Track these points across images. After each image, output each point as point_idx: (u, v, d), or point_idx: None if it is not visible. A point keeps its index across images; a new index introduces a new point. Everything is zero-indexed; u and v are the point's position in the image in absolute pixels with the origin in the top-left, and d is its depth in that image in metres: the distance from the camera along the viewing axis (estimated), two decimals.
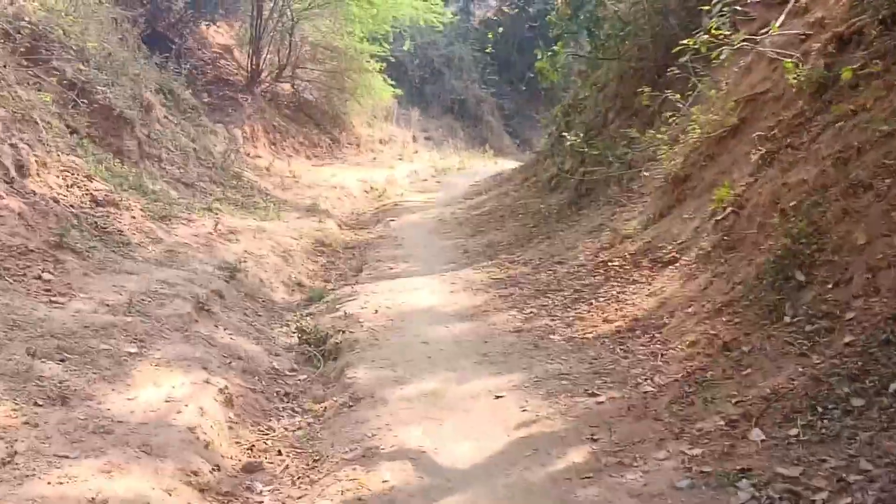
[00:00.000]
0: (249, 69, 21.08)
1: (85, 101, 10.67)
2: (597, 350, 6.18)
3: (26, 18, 10.29)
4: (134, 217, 9.17)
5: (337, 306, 8.29)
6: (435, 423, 5.17)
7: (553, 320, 7.13)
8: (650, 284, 7.09)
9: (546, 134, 18.16)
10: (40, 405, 4.76)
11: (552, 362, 6.09)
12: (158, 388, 5.33)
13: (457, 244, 11.54)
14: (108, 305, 6.65)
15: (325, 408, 5.85)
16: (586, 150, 11.34)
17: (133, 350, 5.84)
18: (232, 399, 5.63)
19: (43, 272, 6.99)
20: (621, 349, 6.06)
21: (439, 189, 19.45)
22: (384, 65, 23.93)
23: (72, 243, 7.63)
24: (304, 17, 22.05)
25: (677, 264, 7.01)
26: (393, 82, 25.16)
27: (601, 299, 7.22)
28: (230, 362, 6.34)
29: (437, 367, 6.25)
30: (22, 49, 10.16)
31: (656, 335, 6.02)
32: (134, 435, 4.64)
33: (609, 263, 7.95)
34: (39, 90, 10.25)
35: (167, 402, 5.16)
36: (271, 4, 21.13)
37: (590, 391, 5.40)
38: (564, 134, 12.02)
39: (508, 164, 25.44)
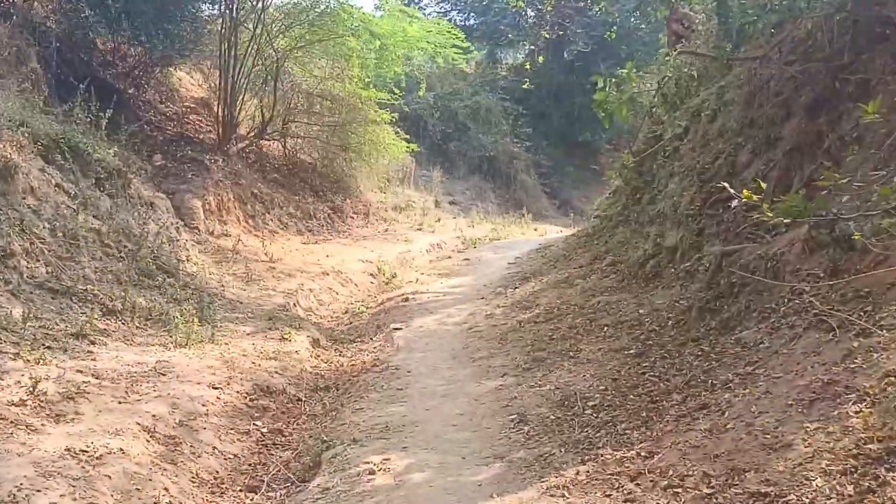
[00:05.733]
0: (221, 124, 16.44)
1: None
2: None
3: None
4: None
5: None
6: None
7: None
8: None
9: (611, 191, 13.19)
10: None
11: None
12: None
13: (502, 395, 6.33)
14: None
15: None
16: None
17: None
18: None
19: None
20: None
21: (468, 269, 14.39)
22: (396, 116, 19.45)
23: None
24: (290, 58, 17.56)
25: None
26: (409, 137, 20.62)
27: None
28: None
29: None
30: None
31: None
32: None
33: None
34: None
35: None
36: (248, 42, 16.55)
37: None
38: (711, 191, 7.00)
39: (552, 231, 20.68)
